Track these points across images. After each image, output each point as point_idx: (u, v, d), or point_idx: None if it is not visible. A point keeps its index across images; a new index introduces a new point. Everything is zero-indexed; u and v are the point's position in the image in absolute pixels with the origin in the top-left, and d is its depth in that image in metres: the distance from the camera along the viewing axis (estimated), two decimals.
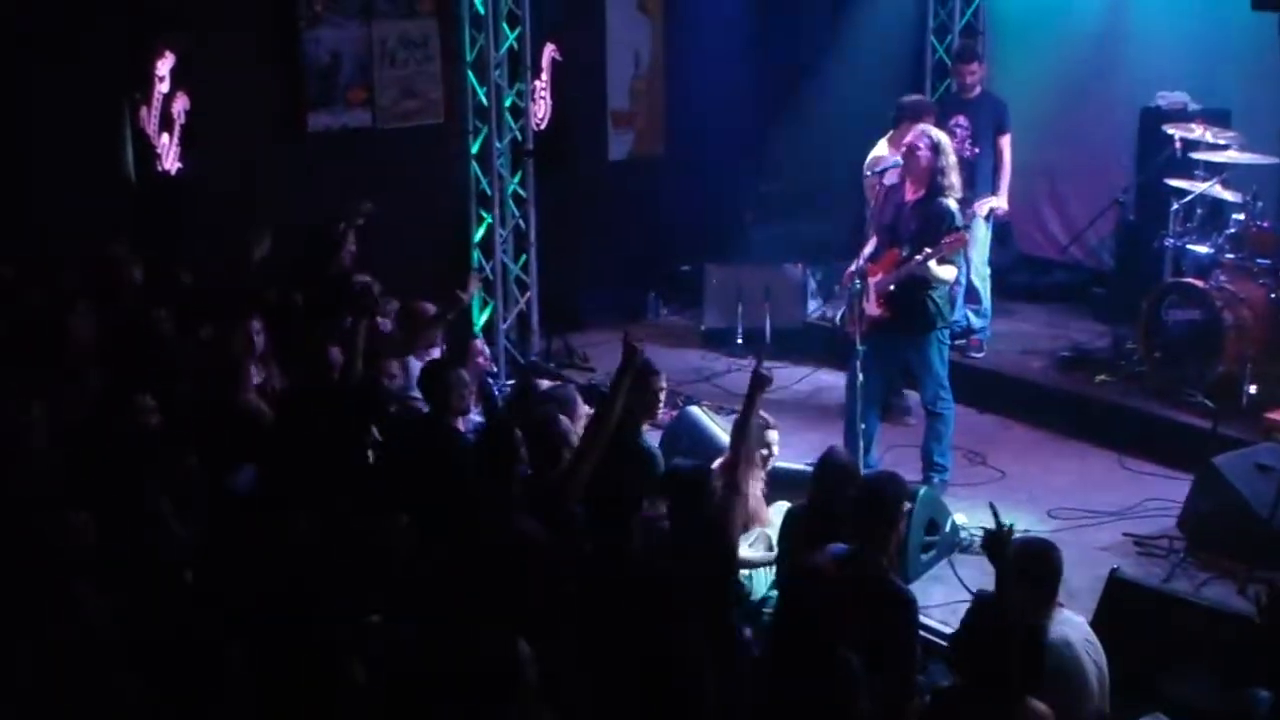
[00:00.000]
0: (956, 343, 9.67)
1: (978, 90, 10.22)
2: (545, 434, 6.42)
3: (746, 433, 6.50)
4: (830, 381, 10.22)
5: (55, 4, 9.15)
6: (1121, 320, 9.85)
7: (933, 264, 7.89)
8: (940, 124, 9.79)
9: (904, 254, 7.99)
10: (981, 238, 10.10)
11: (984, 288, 10.26)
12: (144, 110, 9.55)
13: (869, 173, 9.12)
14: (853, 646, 4.94)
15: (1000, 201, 10.11)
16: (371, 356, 7.75)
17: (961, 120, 10.09)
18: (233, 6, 9.87)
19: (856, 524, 5.75)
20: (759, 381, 6.53)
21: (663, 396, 7.16)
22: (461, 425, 7.27)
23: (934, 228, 7.93)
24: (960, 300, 9.97)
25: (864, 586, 5.35)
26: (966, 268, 9.89)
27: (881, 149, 9.49)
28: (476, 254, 10.78)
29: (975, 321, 10.30)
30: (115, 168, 9.64)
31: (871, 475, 6.21)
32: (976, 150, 10.04)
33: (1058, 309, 11.21)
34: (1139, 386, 9.31)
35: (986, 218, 10.08)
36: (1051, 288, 11.51)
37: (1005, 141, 10.16)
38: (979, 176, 10.01)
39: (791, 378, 10.55)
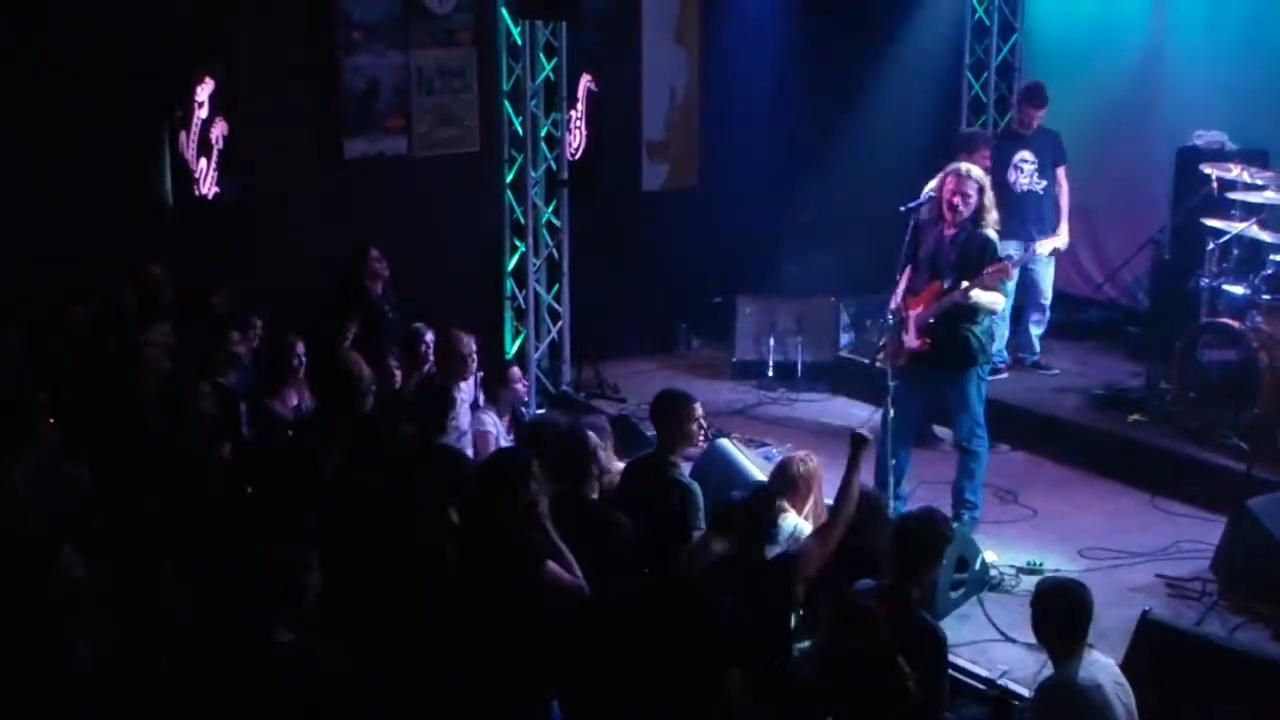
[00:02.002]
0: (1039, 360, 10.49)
1: (1036, 125, 10.33)
2: (573, 450, 6.50)
3: (849, 495, 6.39)
4: (861, 415, 10.21)
5: (98, 29, 9.25)
6: (1156, 360, 9.78)
7: (975, 293, 7.87)
8: (999, 159, 10.02)
9: (946, 285, 7.97)
10: (1046, 271, 10.44)
11: (1046, 315, 10.61)
12: (183, 135, 9.64)
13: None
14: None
15: (1061, 240, 10.38)
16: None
17: (1027, 155, 10.25)
18: (272, 33, 9.96)
19: (898, 558, 5.70)
20: (858, 442, 6.52)
21: (701, 426, 7.14)
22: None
23: (975, 257, 7.93)
24: (1039, 322, 10.51)
25: (895, 621, 5.32)
26: (1040, 297, 10.40)
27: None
28: (510, 282, 10.81)
29: (1034, 331, 10.58)
30: (154, 191, 9.72)
31: (919, 512, 6.16)
32: (1044, 183, 10.24)
33: (1091, 347, 11.16)
34: (1173, 427, 9.24)
35: (1051, 253, 10.33)
36: (1085, 326, 11.46)
37: (1063, 172, 10.37)
38: (1047, 208, 10.28)
39: (823, 410, 10.55)
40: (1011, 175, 10.23)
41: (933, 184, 9.23)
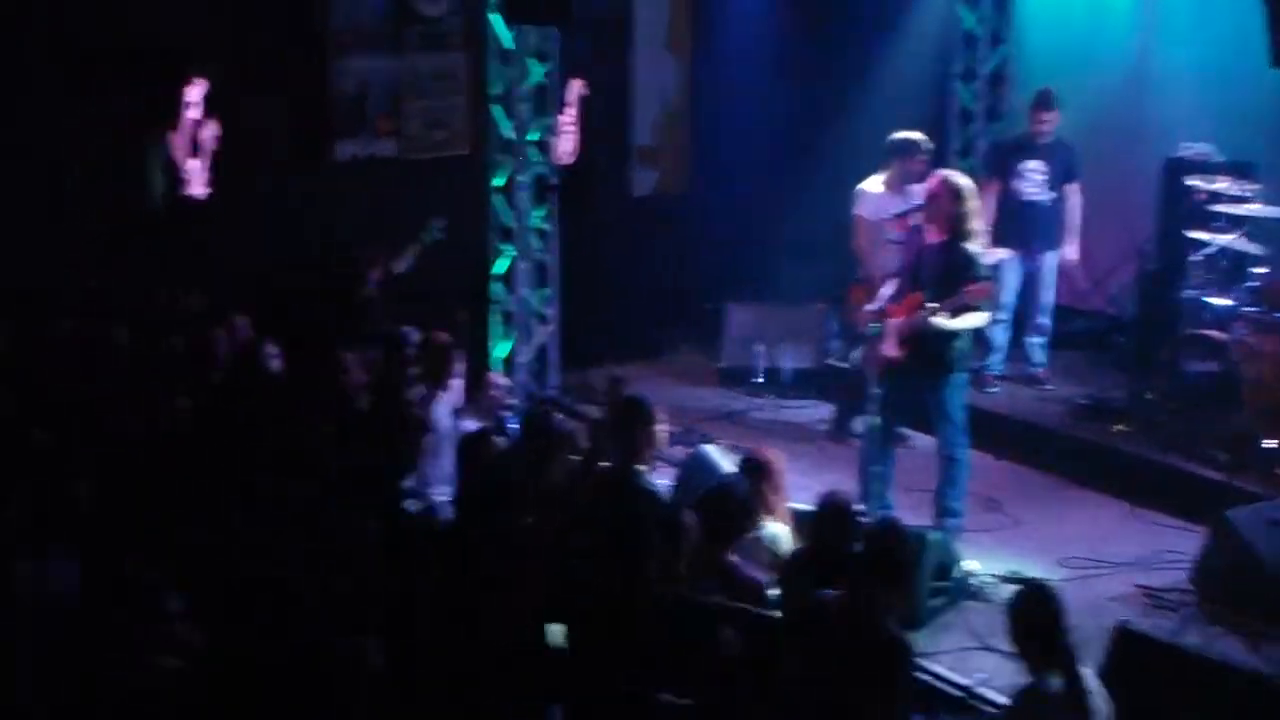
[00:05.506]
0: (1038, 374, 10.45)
1: (1050, 136, 10.30)
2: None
3: None
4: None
5: (88, 30, 9.26)
6: (1141, 370, 9.83)
7: (938, 318, 7.87)
8: (1005, 168, 10.04)
9: (926, 297, 7.98)
10: (1049, 284, 10.44)
11: (1048, 330, 10.63)
12: (173, 136, 9.64)
13: (882, 215, 9.18)
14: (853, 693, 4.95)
15: (1070, 254, 10.43)
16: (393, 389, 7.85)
17: (1034, 165, 10.23)
18: (263, 35, 9.98)
19: (857, 570, 5.72)
20: None
21: (662, 437, 7.12)
22: None
23: (957, 273, 7.92)
24: (1041, 334, 10.53)
25: (860, 632, 5.35)
26: (1041, 311, 10.43)
27: (873, 185, 9.66)
28: (496, 286, 10.82)
29: (1036, 344, 10.56)
30: (143, 193, 9.73)
31: (877, 522, 6.16)
32: (1053, 195, 10.25)
33: (1078, 356, 11.16)
34: (1155, 437, 9.26)
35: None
36: (1072, 335, 11.45)
37: (1074, 189, 10.34)
38: (1053, 221, 10.30)
39: (812, 418, 10.58)
40: (1016, 184, 10.23)
41: (870, 183, 9.50)
